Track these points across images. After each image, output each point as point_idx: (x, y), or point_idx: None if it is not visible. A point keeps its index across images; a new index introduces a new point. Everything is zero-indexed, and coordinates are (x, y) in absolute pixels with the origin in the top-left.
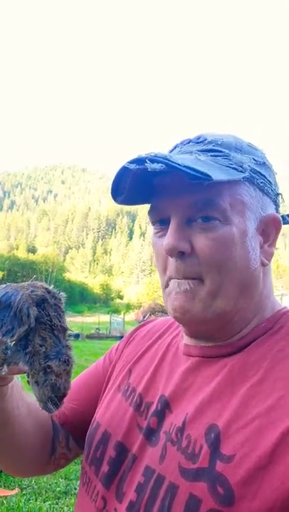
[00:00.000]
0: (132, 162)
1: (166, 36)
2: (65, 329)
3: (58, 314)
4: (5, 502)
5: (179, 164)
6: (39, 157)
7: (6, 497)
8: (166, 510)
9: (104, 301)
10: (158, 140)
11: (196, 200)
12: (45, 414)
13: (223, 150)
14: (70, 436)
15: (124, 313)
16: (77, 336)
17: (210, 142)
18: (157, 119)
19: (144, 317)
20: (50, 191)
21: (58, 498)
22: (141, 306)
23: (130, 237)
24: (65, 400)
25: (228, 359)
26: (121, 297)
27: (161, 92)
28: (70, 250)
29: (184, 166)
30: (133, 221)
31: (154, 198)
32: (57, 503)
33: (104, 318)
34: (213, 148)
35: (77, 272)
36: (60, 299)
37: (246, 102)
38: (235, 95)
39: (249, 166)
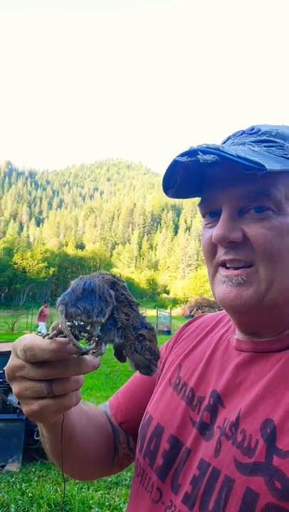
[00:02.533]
0: (183, 154)
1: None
2: (137, 304)
3: (129, 293)
4: (59, 490)
5: (231, 155)
6: (85, 156)
7: (59, 485)
8: (223, 503)
9: (151, 296)
10: (202, 135)
11: (249, 191)
12: (104, 418)
13: (278, 140)
14: (129, 436)
15: (170, 308)
16: None
17: (264, 133)
18: (201, 114)
19: (190, 312)
20: (96, 189)
21: (110, 488)
22: (187, 301)
23: (175, 232)
24: (121, 397)
25: (280, 354)
26: (167, 292)
27: (206, 86)
28: (116, 246)
29: (237, 157)
30: (178, 215)
31: (206, 190)
32: (108, 493)
33: (151, 312)
34: (267, 138)
35: (123, 268)
36: (124, 281)
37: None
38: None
39: None
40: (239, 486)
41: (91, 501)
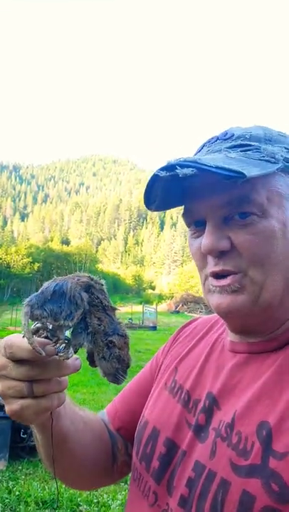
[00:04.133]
0: (162, 169)
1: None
2: (114, 309)
3: (105, 297)
4: (46, 488)
5: (210, 166)
6: (71, 150)
7: (47, 483)
8: (219, 505)
9: (137, 292)
10: (189, 132)
11: (230, 198)
12: (101, 424)
13: (253, 143)
14: (127, 443)
15: (156, 304)
16: None
17: (238, 137)
18: (186, 110)
19: (176, 307)
20: (82, 183)
21: None
22: (173, 297)
23: (161, 228)
24: (118, 403)
25: (276, 354)
26: (153, 288)
27: (194, 83)
28: (102, 242)
29: (216, 167)
30: (164, 212)
31: (187, 201)
32: (96, 490)
33: (137, 308)
34: (242, 143)
35: (109, 263)
36: (103, 284)
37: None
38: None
39: (282, 155)
40: (235, 488)
41: (79, 499)
